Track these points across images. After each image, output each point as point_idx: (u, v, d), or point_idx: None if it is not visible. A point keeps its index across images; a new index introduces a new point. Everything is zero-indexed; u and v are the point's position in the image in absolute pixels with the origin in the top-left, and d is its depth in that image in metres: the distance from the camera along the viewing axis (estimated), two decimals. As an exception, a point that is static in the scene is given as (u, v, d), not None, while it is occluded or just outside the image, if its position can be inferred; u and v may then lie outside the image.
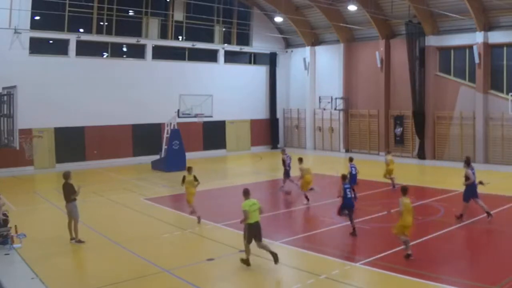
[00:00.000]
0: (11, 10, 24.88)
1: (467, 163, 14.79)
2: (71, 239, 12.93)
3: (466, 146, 27.38)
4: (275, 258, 10.61)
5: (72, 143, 27.70)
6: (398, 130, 30.54)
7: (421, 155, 29.06)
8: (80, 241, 12.93)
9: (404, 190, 11.85)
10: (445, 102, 28.25)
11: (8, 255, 11.82)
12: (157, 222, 15.36)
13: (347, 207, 13.56)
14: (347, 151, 33.44)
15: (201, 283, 10.08)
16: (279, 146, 37.23)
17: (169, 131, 26.41)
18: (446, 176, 23.16)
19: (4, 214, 12.90)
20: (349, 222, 13.63)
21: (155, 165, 26.63)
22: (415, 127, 29.19)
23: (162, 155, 26.85)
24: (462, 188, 19.37)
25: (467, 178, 14.47)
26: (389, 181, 20.02)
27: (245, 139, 35.66)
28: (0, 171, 24.42)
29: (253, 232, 10.84)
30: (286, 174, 19.66)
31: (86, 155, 28.42)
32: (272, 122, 37.23)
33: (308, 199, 17.55)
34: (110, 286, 9.83)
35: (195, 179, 15.10)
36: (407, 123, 30.16)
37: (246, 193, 11.10)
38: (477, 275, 10.31)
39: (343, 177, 13.83)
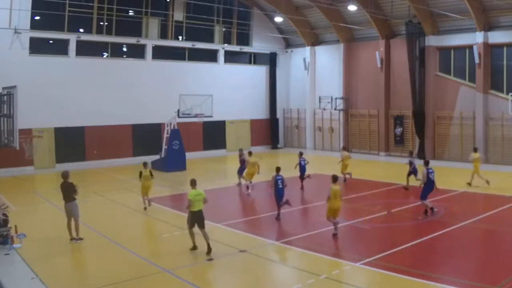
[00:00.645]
0: (11, 10, 24.87)
1: (426, 163, 15.75)
2: (71, 239, 12.93)
3: (466, 146, 27.35)
4: (208, 250, 11.73)
5: (72, 143, 27.67)
6: (398, 130, 30.54)
7: (421, 155, 29.02)
8: (80, 239, 12.95)
9: (334, 178, 13.42)
10: (445, 102, 28.25)
11: (8, 255, 11.81)
12: (157, 222, 15.37)
13: (277, 196, 15.25)
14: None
15: (201, 283, 10.08)
16: (279, 146, 37.30)
17: (169, 131, 26.41)
18: (446, 176, 23.07)
19: (4, 214, 12.89)
20: (348, 222, 13.69)
21: (155, 165, 26.56)
22: (415, 127, 29.18)
23: (162, 155, 26.85)
24: (462, 188, 19.52)
25: (423, 177, 15.42)
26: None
27: (245, 139, 35.64)
28: (0, 171, 24.42)
29: (195, 219, 11.92)
30: (242, 170, 21.12)
31: (86, 155, 28.41)
32: (272, 122, 37.22)
33: (248, 188, 19.52)
34: (110, 286, 9.83)
35: (151, 174, 16.98)
36: (407, 123, 30.16)
37: (193, 183, 12.24)
38: (477, 275, 10.31)
39: (277, 169, 15.51)
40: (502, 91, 25.86)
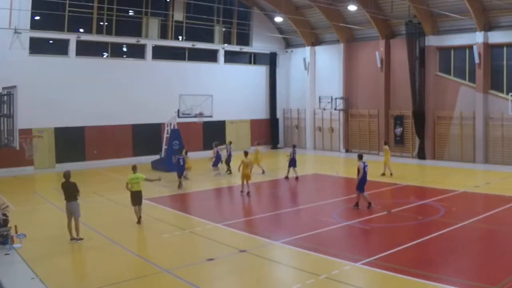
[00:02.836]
0: (11, 10, 24.86)
1: (360, 157, 16.74)
2: (71, 239, 12.93)
3: (466, 146, 27.38)
4: (139, 220, 14.70)
5: (72, 143, 27.68)
6: (398, 130, 30.53)
7: (421, 155, 29.05)
8: (80, 239, 12.96)
9: (245, 153, 19.58)
10: (445, 102, 28.24)
11: (8, 255, 11.80)
12: (157, 222, 15.36)
13: (177, 172, 20.93)
14: (347, 151, 33.43)
15: (201, 283, 10.07)
16: (278, 146, 37.30)
17: (169, 131, 26.40)
18: (446, 176, 23.17)
19: (4, 214, 12.90)
20: (349, 222, 13.83)
21: (155, 165, 26.60)
22: (415, 127, 29.18)
23: (162, 155, 26.84)
24: (462, 188, 19.53)
25: (359, 171, 16.27)
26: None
27: (245, 139, 35.64)
28: (0, 171, 24.42)
29: (134, 198, 14.70)
30: (217, 163, 25.03)
31: (86, 155, 28.40)
32: (272, 122, 37.23)
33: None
34: (110, 286, 9.82)
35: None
36: (407, 123, 30.15)
37: (133, 168, 15.06)
38: (477, 275, 10.30)
39: (181, 151, 21.81)
40: (502, 91, 25.85)
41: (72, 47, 27.78)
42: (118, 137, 29.25)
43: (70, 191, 13.05)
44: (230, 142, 26.27)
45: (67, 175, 13.17)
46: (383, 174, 22.84)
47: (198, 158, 30.04)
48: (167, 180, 23.07)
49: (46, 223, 15.35)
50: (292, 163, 22.84)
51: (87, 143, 28.39)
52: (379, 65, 30.99)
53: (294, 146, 24.02)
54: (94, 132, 28.39)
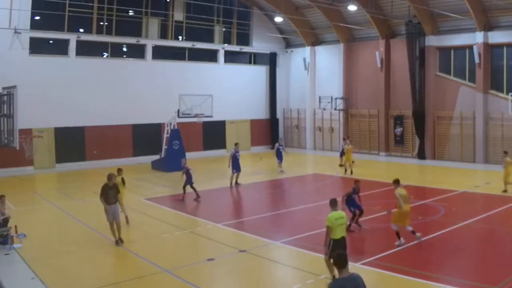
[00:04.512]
0: (11, 10, 24.87)
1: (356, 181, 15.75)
2: (116, 242, 12.60)
3: (466, 146, 27.37)
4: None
5: (72, 143, 27.70)
6: (398, 130, 30.54)
7: (421, 155, 29.05)
8: (121, 241, 12.70)
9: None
10: (445, 102, 28.24)
11: (8, 255, 11.82)
12: (157, 222, 15.37)
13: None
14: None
15: (201, 283, 10.08)
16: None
17: (169, 131, 26.41)
18: (446, 176, 23.17)
19: (4, 214, 12.90)
20: (348, 222, 13.82)
21: (155, 165, 26.63)
22: (415, 127, 29.18)
23: (162, 155, 26.85)
24: (462, 188, 19.52)
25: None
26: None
27: (245, 139, 35.64)
28: (0, 171, 24.42)
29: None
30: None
31: (86, 155, 28.42)
32: (272, 122, 37.22)
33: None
34: (110, 286, 9.83)
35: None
36: (407, 123, 30.15)
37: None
38: (477, 275, 10.30)
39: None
40: (502, 91, 25.85)
41: (72, 47, 27.79)
42: (118, 137, 29.26)
43: (115, 193, 12.78)
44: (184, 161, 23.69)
45: (112, 177, 12.81)
46: (505, 191, 18.54)
47: (197, 158, 30.17)
48: (168, 180, 23.13)
49: (46, 223, 15.35)
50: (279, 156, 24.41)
51: (87, 143, 28.40)
52: (379, 65, 30.98)
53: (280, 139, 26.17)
54: (94, 132, 28.39)
